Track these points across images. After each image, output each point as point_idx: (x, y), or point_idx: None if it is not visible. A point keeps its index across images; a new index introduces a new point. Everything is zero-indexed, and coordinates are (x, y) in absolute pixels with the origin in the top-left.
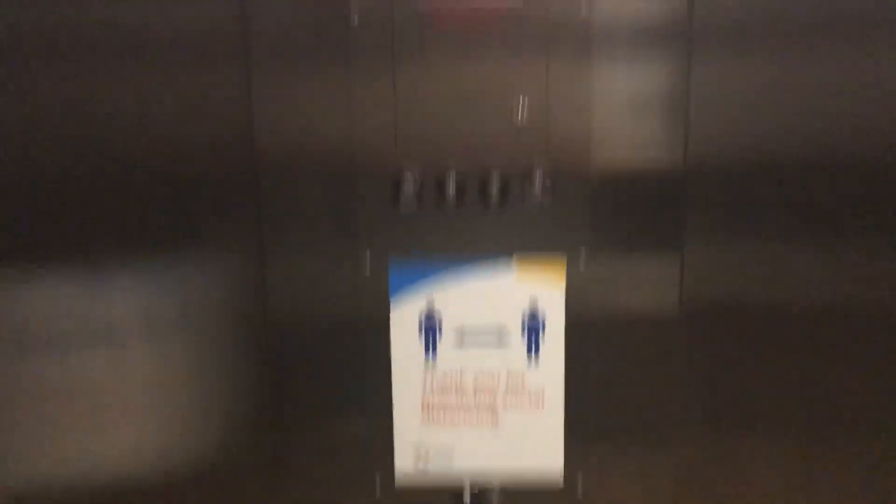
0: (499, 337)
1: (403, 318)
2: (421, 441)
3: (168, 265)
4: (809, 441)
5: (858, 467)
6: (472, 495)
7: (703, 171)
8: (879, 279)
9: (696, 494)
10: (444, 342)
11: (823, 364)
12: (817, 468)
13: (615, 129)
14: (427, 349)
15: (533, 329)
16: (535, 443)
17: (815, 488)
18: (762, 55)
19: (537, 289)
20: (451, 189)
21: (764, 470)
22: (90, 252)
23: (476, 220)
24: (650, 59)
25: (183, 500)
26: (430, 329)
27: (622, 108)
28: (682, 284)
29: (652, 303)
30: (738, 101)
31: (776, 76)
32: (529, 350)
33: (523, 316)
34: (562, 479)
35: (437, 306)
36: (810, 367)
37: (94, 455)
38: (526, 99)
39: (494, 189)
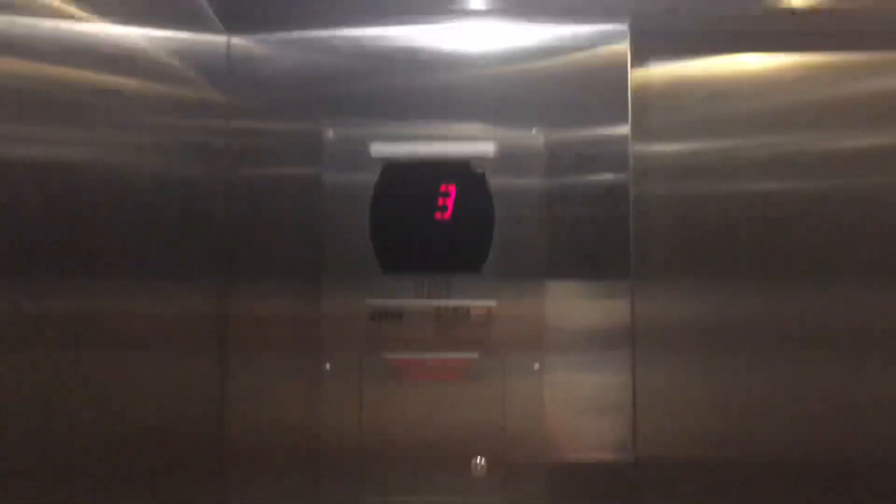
0: None
1: None
2: None
3: None
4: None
5: None
6: None
7: (654, 468)
8: None
9: None
10: None
11: None
12: None
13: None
14: None
15: None
16: None
17: None
18: (706, 358)
19: None
20: None
21: None
22: None
23: None
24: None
25: None
26: None
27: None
28: None
29: None
30: (684, 401)
31: (720, 378)
32: None
33: None
34: None
35: None
36: None
37: None
38: (483, 460)
39: None
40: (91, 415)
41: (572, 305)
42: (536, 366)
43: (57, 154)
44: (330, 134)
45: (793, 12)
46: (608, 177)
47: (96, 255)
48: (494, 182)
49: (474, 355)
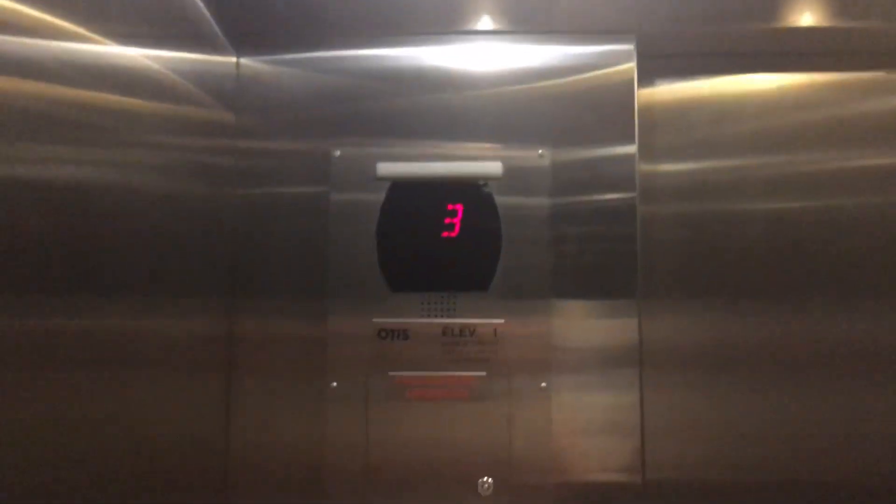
0: None
1: None
2: None
3: None
4: None
5: None
6: None
7: (662, 490)
8: None
9: None
10: None
11: None
12: None
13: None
14: None
15: None
16: None
17: None
18: (715, 379)
19: None
20: None
21: None
22: None
23: None
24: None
25: None
26: None
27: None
28: None
29: None
30: (693, 421)
31: (729, 399)
32: None
33: None
34: None
35: None
36: None
37: None
38: (490, 479)
39: None
40: (95, 433)
41: (579, 325)
42: (543, 384)
43: (65, 174)
44: (337, 153)
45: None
46: (615, 196)
47: (103, 274)
48: (501, 201)
49: (481, 374)
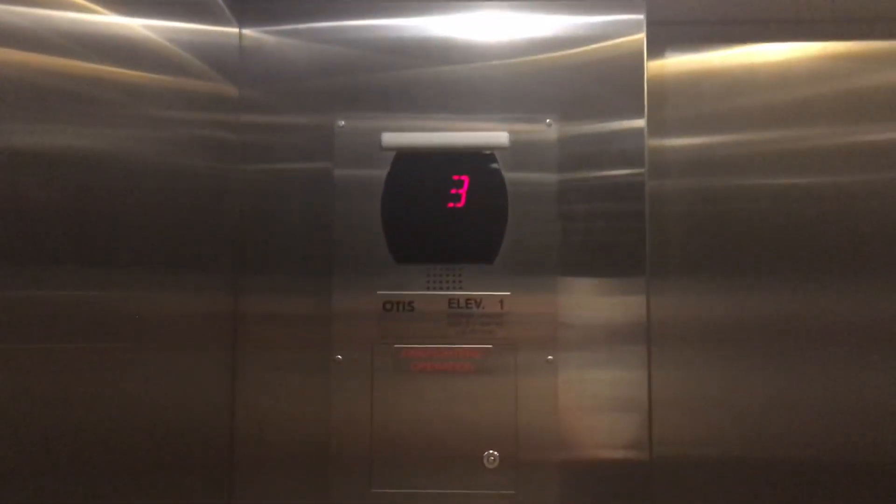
0: None
1: None
2: None
3: None
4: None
5: None
6: None
7: (669, 467)
8: None
9: None
10: None
11: None
12: None
13: (582, 432)
14: None
15: None
16: None
17: None
18: (723, 356)
19: None
20: None
21: None
22: None
23: None
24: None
25: None
26: None
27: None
28: None
29: None
30: (700, 398)
31: (737, 376)
32: None
33: None
34: None
35: None
36: None
37: None
38: (496, 453)
39: None
40: (100, 407)
41: (587, 301)
42: (550, 357)
43: (66, 147)
44: (341, 123)
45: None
46: (623, 172)
47: (105, 249)
48: (508, 174)
49: (487, 346)
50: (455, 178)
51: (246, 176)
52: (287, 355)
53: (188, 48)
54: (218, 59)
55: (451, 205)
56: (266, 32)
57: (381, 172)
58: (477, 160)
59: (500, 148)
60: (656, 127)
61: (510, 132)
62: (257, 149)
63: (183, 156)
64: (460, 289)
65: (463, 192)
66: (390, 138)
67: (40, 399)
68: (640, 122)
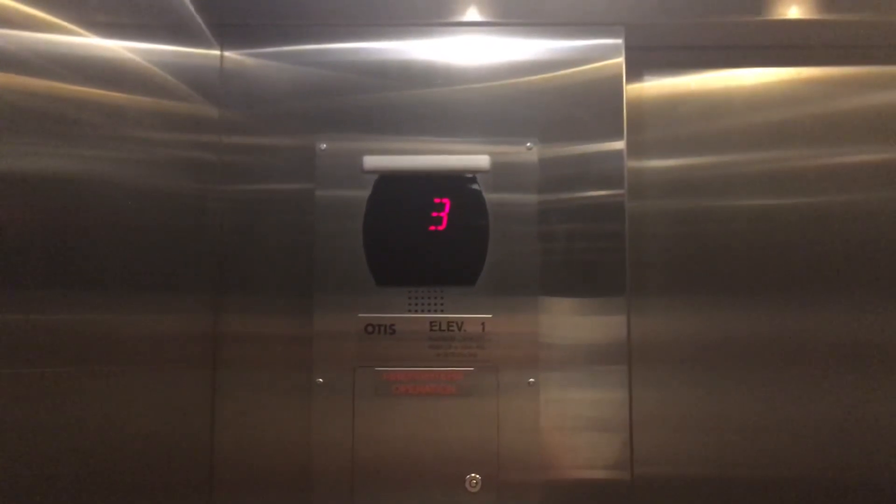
0: None
1: None
2: None
3: None
4: None
5: None
6: None
7: (650, 486)
8: None
9: None
10: None
11: None
12: None
13: (564, 453)
14: None
15: None
16: None
17: None
18: (704, 375)
19: None
20: None
21: None
22: None
23: None
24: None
25: None
26: None
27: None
28: None
29: None
30: (681, 418)
31: (717, 395)
32: None
33: None
34: None
35: None
36: None
37: None
38: (478, 476)
39: None
40: (76, 430)
41: (568, 321)
42: (531, 380)
43: (45, 168)
44: (323, 146)
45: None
46: (603, 193)
47: (85, 270)
48: (489, 196)
49: (469, 369)
50: (436, 200)
51: (227, 196)
52: (267, 377)
53: (169, 70)
54: (199, 81)
55: (432, 227)
56: (247, 55)
57: (363, 194)
58: (458, 183)
59: (481, 171)
60: (635, 149)
61: (491, 155)
62: (238, 170)
63: (163, 177)
64: (442, 311)
65: (444, 214)
66: (372, 162)
67: (14, 423)
68: (619, 145)
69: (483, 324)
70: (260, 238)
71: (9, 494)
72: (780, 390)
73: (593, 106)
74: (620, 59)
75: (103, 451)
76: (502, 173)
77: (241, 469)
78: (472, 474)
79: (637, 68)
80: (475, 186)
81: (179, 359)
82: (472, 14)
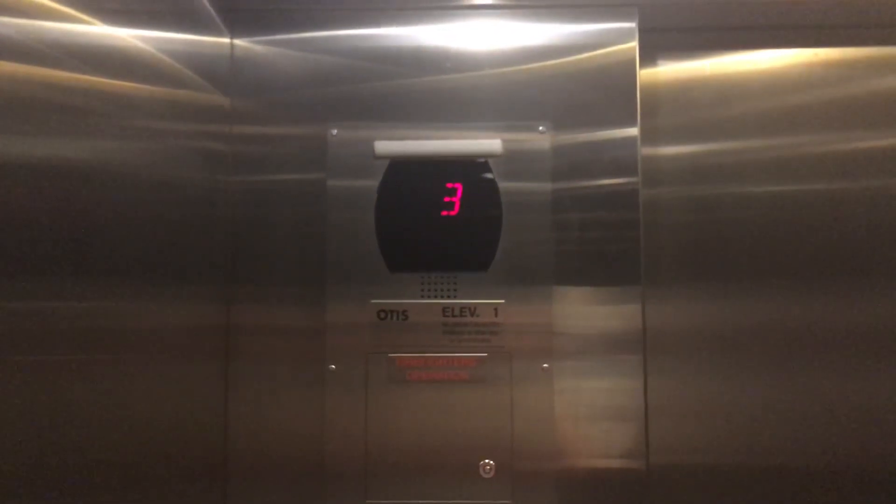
0: None
1: None
2: None
3: None
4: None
5: None
6: None
7: (666, 475)
8: None
9: None
10: None
11: None
12: None
13: (578, 441)
14: None
15: None
16: None
17: None
18: (719, 364)
19: None
20: None
21: None
22: None
23: None
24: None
25: None
26: None
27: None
28: None
29: None
30: (696, 406)
31: (733, 383)
32: None
33: None
34: None
35: None
36: None
37: None
38: (491, 462)
39: None
40: (90, 420)
41: (582, 309)
42: (545, 365)
43: (55, 158)
44: (334, 134)
45: None
46: (617, 181)
47: (98, 260)
48: (502, 185)
49: (482, 355)
50: (449, 185)
51: (238, 187)
52: (280, 366)
53: (179, 59)
54: (209, 70)
55: (444, 213)
56: (258, 42)
57: (374, 182)
58: (470, 168)
59: (494, 155)
60: (649, 135)
61: (503, 140)
62: (249, 160)
63: (174, 167)
64: (455, 297)
65: (457, 199)
66: (383, 147)
67: (29, 411)
68: (633, 131)
69: (496, 309)
70: (272, 227)
71: (23, 481)
72: (795, 378)
73: (606, 92)
74: (634, 44)
75: (116, 441)
76: (515, 159)
77: (254, 457)
78: (486, 460)
79: (651, 52)
80: (487, 171)
81: (192, 348)
82: None
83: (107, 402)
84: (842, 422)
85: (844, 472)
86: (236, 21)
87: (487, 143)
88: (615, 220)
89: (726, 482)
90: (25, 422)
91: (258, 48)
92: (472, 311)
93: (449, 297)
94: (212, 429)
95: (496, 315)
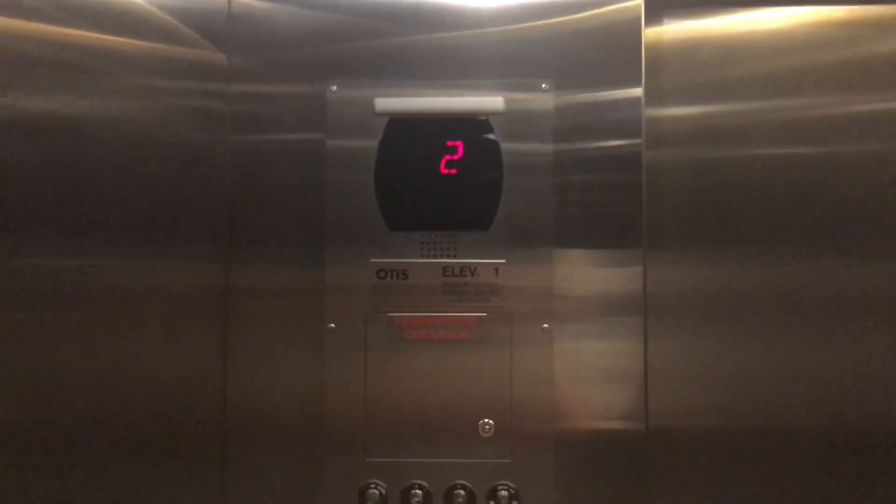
0: None
1: None
2: None
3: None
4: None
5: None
6: None
7: (665, 438)
8: None
9: None
10: None
11: None
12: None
13: (577, 403)
14: None
15: None
16: None
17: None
18: (720, 327)
19: None
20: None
21: None
22: None
23: None
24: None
25: None
26: None
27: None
28: None
29: None
30: (696, 370)
31: (733, 347)
32: None
33: None
34: None
35: None
36: None
37: None
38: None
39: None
40: (87, 380)
41: (583, 272)
42: (545, 325)
43: (50, 114)
44: (334, 90)
45: None
46: (620, 141)
47: (94, 219)
48: (503, 145)
49: (482, 314)
50: (449, 143)
51: (236, 146)
52: (279, 326)
53: (176, 14)
54: (206, 26)
55: (445, 171)
56: None
57: (374, 141)
58: (472, 126)
59: (496, 113)
60: (653, 96)
61: (505, 98)
62: (247, 118)
63: (170, 125)
64: (455, 256)
65: (457, 157)
66: (383, 103)
67: (24, 370)
68: (637, 91)
69: (497, 269)
70: (270, 187)
71: (22, 438)
72: (797, 341)
73: (610, 50)
74: (639, 1)
75: (113, 400)
76: (517, 119)
77: (253, 418)
78: (485, 420)
79: (656, 10)
80: (489, 130)
81: (190, 308)
82: None
83: (103, 361)
84: (843, 384)
85: (845, 433)
86: None
87: (489, 100)
88: (617, 183)
89: (726, 444)
90: (16, 381)
91: (256, 3)
92: (473, 270)
93: (449, 257)
94: (210, 389)
95: (496, 275)
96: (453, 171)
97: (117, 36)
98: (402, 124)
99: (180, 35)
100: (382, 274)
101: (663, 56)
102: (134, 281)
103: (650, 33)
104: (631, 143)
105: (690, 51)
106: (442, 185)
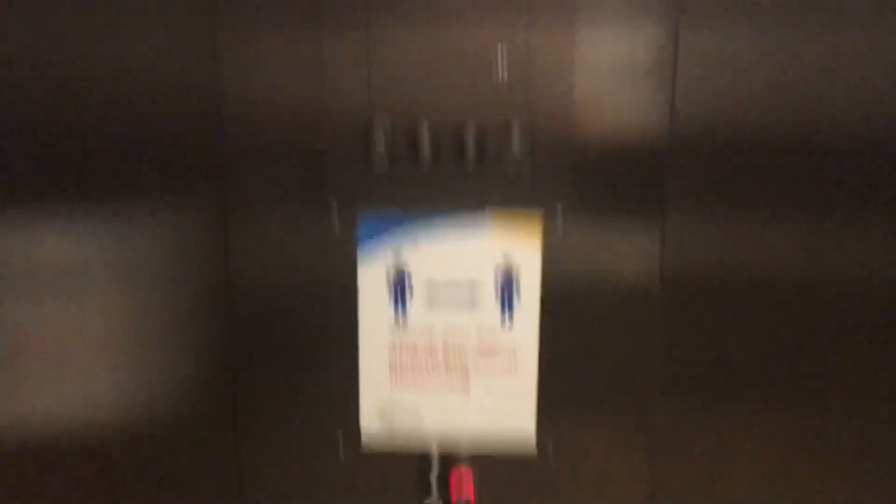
0: (471, 295)
1: (372, 276)
2: (388, 401)
3: (130, 217)
4: (792, 412)
5: (844, 437)
6: (440, 459)
7: (688, 138)
8: (865, 253)
9: (673, 464)
10: (415, 300)
11: (807, 335)
12: (800, 439)
13: (598, 90)
14: (396, 307)
15: (507, 288)
16: (508, 407)
17: (799, 459)
18: (752, 22)
19: (512, 245)
20: (425, 146)
21: (745, 441)
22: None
23: (451, 175)
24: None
25: (142, 454)
26: (399, 286)
27: (606, 67)
28: (663, 251)
29: (631, 268)
30: (726, 68)
31: (766, 44)
32: (503, 310)
33: (497, 274)
34: (534, 445)
35: (408, 263)
36: (792, 337)
37: (49, 405)
38: (506, 51)
39: (471, 145)
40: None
41: None
42: None
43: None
44: None
45: None
46: None
47: None
48: None
49: None
50: None
51: None
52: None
53: None
54: None
55: None
56: None
57: None
58: None
59: None
60: None
61: None
62: None
63: None
64: None
65: None
66: None
67: None
68: None
69: None
70: None
71: None
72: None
73: None
74: None
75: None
76: None
77: (248, 109)
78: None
79: None
80: None
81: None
82: None
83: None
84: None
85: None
86: None
87: None
88: None
89: (747, 153)
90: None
91: None
92: None
93: None
94: (206, 93)
95: None
96: None
97: None
98: None
99: None
100: None
101: None
102: None
103: None
104: None
105: None
106: None
